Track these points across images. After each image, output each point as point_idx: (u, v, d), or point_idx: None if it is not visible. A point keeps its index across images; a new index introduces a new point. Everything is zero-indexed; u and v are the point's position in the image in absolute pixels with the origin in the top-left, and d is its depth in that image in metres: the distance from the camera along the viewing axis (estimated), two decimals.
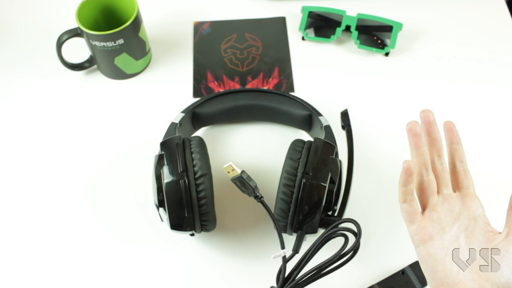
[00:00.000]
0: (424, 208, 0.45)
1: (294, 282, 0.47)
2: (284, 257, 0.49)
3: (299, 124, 0.63)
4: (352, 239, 0.47)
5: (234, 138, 0.66)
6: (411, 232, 0.44)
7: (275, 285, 0.51)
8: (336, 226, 0.47)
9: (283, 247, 0.49)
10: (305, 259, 0.48)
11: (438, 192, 0.45)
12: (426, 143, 0.45)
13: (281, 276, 0.48)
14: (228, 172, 0.50)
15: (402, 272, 0.54)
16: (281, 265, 0.48)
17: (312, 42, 0.74)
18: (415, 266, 0.54)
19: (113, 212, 0.60)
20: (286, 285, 0.48)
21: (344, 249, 0.46)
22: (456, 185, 0.45)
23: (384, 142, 0.64)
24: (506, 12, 0.75)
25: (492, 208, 0.59)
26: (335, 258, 0.46)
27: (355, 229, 0.46)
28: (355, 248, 0.46)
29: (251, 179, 0.50)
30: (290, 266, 0.49)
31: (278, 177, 0.51)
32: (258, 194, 0.50)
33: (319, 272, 0.47)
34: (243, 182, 0.49)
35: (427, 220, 0.43)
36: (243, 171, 0.49)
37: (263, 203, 0.50)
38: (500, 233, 0.43)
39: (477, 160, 0.63)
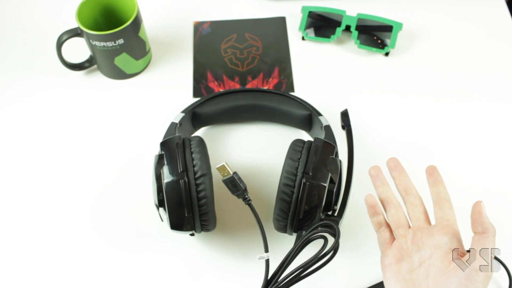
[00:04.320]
0: (393, 238, 0.49)
1: (276, 284, 0.48)
2: (267, 260, 0.49)
3: (299, 124, 0.63)
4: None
5: (234, 138, 0.66)
6: (381, 258, 0.48)
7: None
8: (316, 228, 0.48)
9: (266, 250, 0.50)
10: (286, 261, 0.48)
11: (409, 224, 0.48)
12: (396, 180, 0.50)
13: (263, 279, 0.49)
14: (220, 173, 0.50)
15: None
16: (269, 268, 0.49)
17: (312, 42, 0.74)
18: None
19: (113, 212, 0.60)
20: (269, 287, 0.48)
21: (323, 250, 0.46)
22: (435, 218, 0.47)
23: (384, 142, 0.64)
24: (506, 12, 0.75)
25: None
26: (315, 260, 0.46)
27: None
28: (335, 248, 0.46)
29: (242, 180, 0.51)
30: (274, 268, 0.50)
31: (278, 177, 0.51)
32: (247, 196, 0.51)
33: (301, 273, 0.48)
34: (235, 183, 0.50)
35: (392, 249, 0.47)
36: (235, 172, 0.50)
37: (250, 206, 0.51)
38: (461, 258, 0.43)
39: (478, 161, 0.63)
